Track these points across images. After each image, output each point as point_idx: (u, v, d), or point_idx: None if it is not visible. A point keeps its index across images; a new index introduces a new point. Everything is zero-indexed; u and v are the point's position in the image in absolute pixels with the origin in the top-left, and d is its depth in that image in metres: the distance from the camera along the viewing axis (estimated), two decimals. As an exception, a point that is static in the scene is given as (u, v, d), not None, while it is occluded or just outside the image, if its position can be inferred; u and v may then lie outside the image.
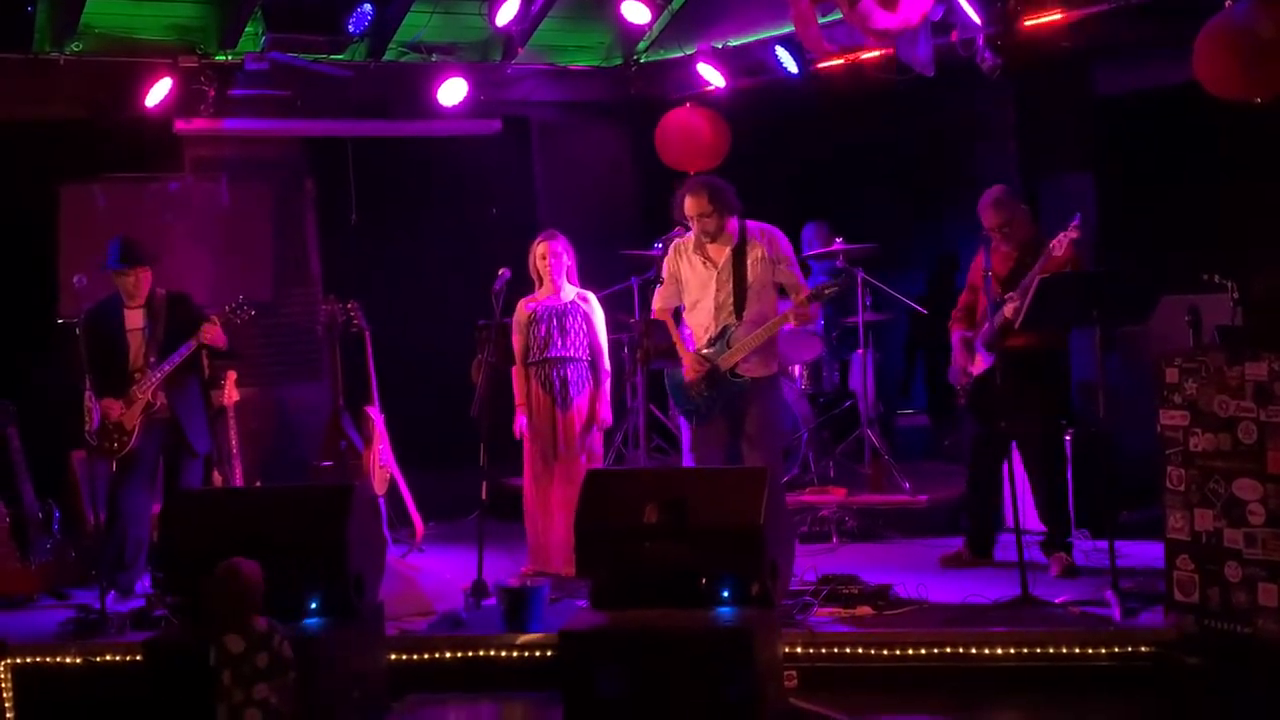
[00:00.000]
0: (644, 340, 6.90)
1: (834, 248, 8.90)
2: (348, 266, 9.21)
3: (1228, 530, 5.65)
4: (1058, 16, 7.65)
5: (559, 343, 7.33)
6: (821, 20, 7.67)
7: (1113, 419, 6.49)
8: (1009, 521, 7.19)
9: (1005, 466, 6.98)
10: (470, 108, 9.21)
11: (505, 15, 8.72)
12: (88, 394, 7.28)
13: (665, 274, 7.16)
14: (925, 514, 8.15)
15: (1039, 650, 5.85)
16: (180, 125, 8.75)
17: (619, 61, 9.87)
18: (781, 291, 7.13)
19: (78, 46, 8.40)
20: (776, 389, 7.25)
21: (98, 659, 6.34)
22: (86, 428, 7.26)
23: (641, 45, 9.75)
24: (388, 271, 9.14)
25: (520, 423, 7.40)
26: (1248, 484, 5.59)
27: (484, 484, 7.08)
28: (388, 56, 9.10)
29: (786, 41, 8.62)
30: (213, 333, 7.20)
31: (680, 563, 5.56)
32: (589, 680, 5.30)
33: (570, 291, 7.43)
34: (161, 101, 8.51)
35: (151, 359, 7.18)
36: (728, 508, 5.59)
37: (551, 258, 7.38)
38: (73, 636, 6.58)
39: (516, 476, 7.63)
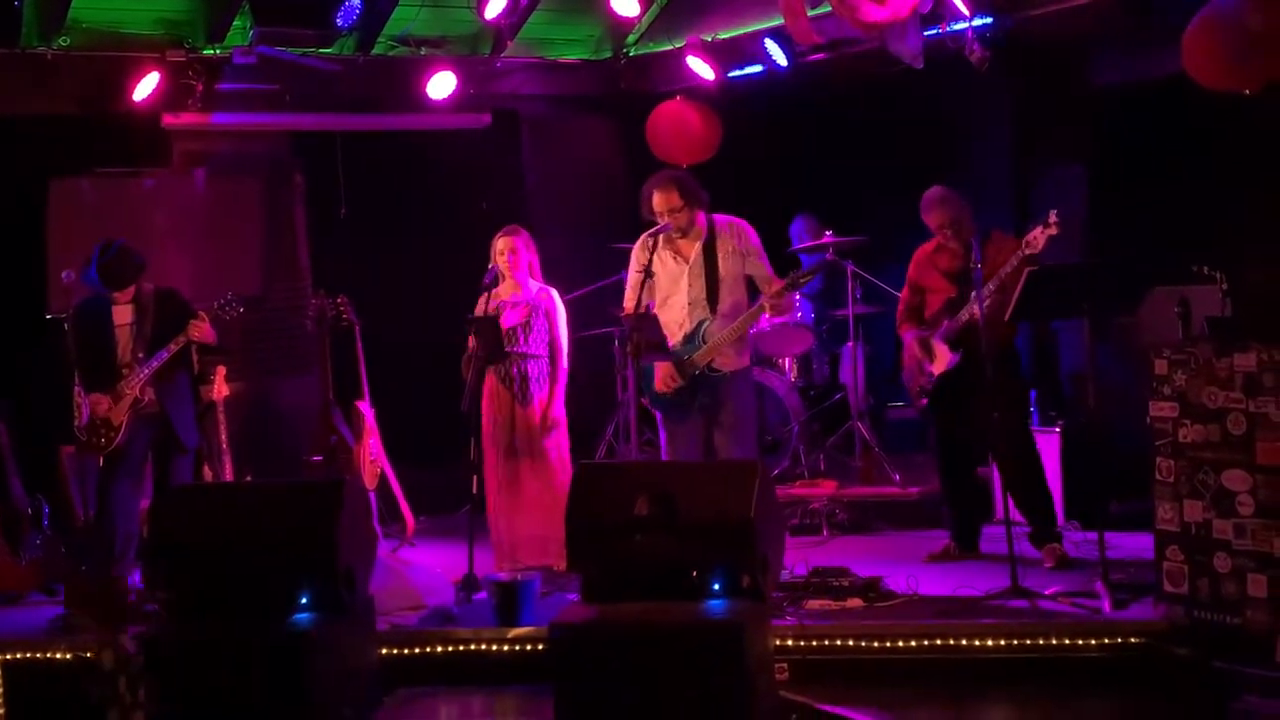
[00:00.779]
0: (634, 334, 6.87)
1: (824, 240, 8.90)
2: (337, 261, 9.19)
3: (1217, 521, 5.66)
4: (1048, 9, 7.66)
5: (521, 339, 7.28)
6: (811, 13, 7.68)
7: (1103, 410, 6.50)
8: (998, 513, 7.20)
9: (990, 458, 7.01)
10: (459, 101, 9.19)
11: (494, 8, 8.70)
12: (77, 389, 7.27)
13: (644, 269, 7.04)
14: (916, 506, 8.17)
15: (1029, 642, 5.86)
16: (168, 119, 8.73)
17: (608, 55, 9.85)
18: (751, 284, 7.10)
19: (65, 41, 8.37)
20: (751, 380, 7.26)
21: (88, 655, 6.32)
22: (76, 423, 7.24)
23: (631, 38, 9.73)
24: (377, 265, 9.11)
25: (484, 416, 7.27)
26: (1237, 475, 5.60)
27: (474, 478, 7.08)
28: (376, 50, 9.08)
29: (776, 34, 8.62)
30: (201, 329, 7.18)
31: (671, 556, 5.56)
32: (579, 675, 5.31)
33: (532, 287, 7.38)
34: (149, 96, 8.49)
35: (140, 354, 7.16)
36: (718, 501, 5.59)
37: (510, 254, 7.29)
38: (62, 632, 6.57)
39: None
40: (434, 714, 5.85)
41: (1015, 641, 5.86)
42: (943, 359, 6.97)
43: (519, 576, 6.55)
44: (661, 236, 7.04)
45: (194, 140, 9.10)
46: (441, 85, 9.05)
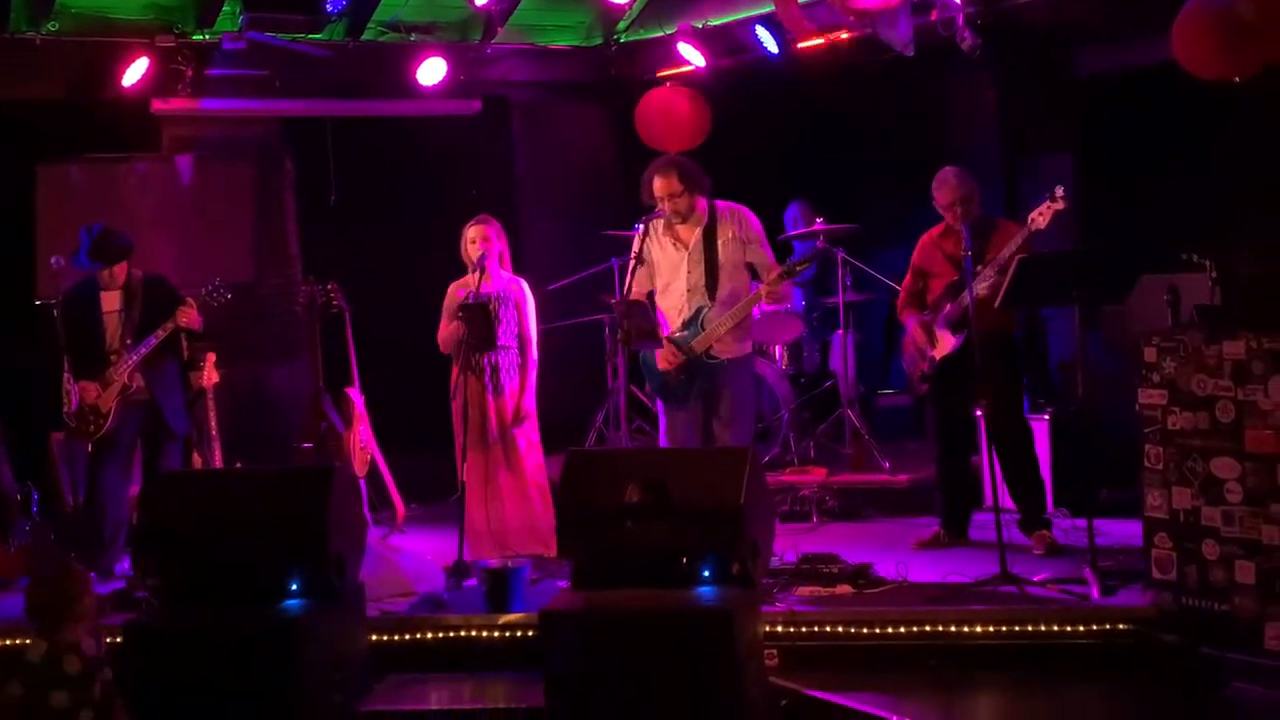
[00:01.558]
0: (624, 322, 6.86)
1: (815, 228, 8.91)
2: (327, 247, 9.17)
3: (1205, 508, 5.68)
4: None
5: (495, 330, 7.23)
6: (802, 0, 7.67)
7: (1092, 398, 6.52)
8: (987, 501, 7.22)
9: (983, 445, 7.01)
10: (449, 87, 9.17)
11: (485, -6, 8.69)
12: (66, 376, 7.25)
13: (636, 256, 7.05)
14: (905, 493, 8.18)
15: (1018, 628, 5.87)
16: (158, 105, 8.71)
17: (599, 41, 9.83)
18: (752, 271, 7.10)
19: (54, 26, 8.34)
20: (750, 368, 7.24)
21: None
22: (65, 409, 7.22)
23: (621, 25, 9.71)
24: (367, 252, 9.10)
25: (455, 409, 7.20)
26: (1225, 463, 5.62)
27: (461, 465, 7.07)
28: (366, 36, 9.05)
29: (767, 21, 8.61)
30: (189, 315, 7.17)
31: (661, 543, 5.57)
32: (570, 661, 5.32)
33: (502, 277, 7.33)
34: (139, 81, 8.46)
35: (128, 341, 7.15)
36: (709, 488, 5.59)
37: (482, 242, 7.22)
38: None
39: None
40: (424, 700, 5.84)
41: (1004, 628, 5.88)
42: (945, 344, 6.96)
43: (509, 563, 6.55)
44: (661, 222, 7.03)
45: (183, 126, 9.07)
46: (431, 71, 9.03)
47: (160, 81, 8.54)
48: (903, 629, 5.95)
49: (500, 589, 6.35)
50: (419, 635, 6.26)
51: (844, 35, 8.49)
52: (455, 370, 7.21)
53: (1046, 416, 7.73)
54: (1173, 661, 5.67)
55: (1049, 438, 7.67)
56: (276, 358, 9.29)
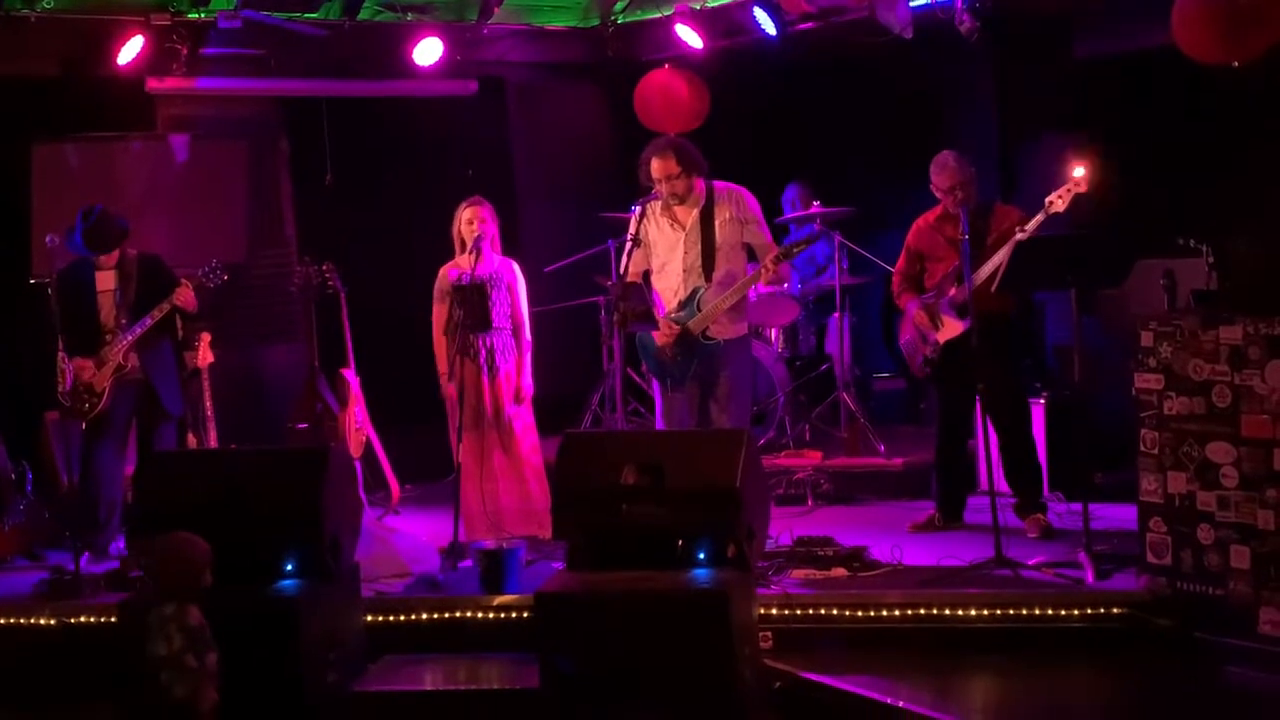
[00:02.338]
0: (620, 303, 6.85)
1: (811, 210, 8.89)
2: (323, 227, 9.15)
3: (1201, 493, 5.69)
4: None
5: (490, 312, 7.21)
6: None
7: (1088, 382, 6.51)
8: (982, 484, 7.23)
9: (979, 429, 7.00)
10: (446, 68, 9.14)
11: (482, -27, 8.66)
12: (61, 354, 7.23)
13: (633, 238, 7.03)
14: (900, 477, 8.18)
15: (1013, 612, 5.88)
16: (153, 84, 8.67)
17: (596, 22, 9.80)
18: (750, 252, 7.08)
19: (49, 4, 8.29)
20: (747, 350, 7.24)
21: (72, 620, 6.33)
22: (59, 388, 7.20)
23: (619, 6, 9.68)
24: (363, 232, 9.08)
25: (451, 391, 7.18)
26: (1221, 447, 5.62)
27: (460, 446, 7.06)
28: (362, 15, 9.01)
29: (765, 3, 8.57)
30: (185, 296, 7.16)
31: (656, 525, 5.57)
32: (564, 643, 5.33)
33: (494, 260, 7.29)
34: (134, 60, 8.42)
35: (123, 320, 7.13)
36: (704, 470, 5.59)
37: (479, 223, 7.19)
38: (47, 598, 6.57)
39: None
40: (419, 681, 5.85)
41: (999, 611, 5.89)
42: (951, 327, 6.94)
43: (504, 545, 6.55)
44: (659, 204, 7.02)
45: (178, 105, 9.04)
46: (428, 51, 9.00)
47: (155, 60, 8.50)
48: (898, 612, 5.95)
49: (495, 570, 6.35)
50: (414, 616, 6.26)
51: (842, 18, 8.45)
52: (449, 352, 7.19)
53: (1042, 400, 7.73)
54: (1167, 645, 5.69)
55: (1045, 422, 7.67)
56: (272, 338, 9.28)
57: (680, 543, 5.54)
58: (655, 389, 7.32)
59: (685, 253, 6.99)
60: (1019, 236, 6.56)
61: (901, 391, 9.67)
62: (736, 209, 6.99)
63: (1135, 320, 5.96)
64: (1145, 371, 5.86)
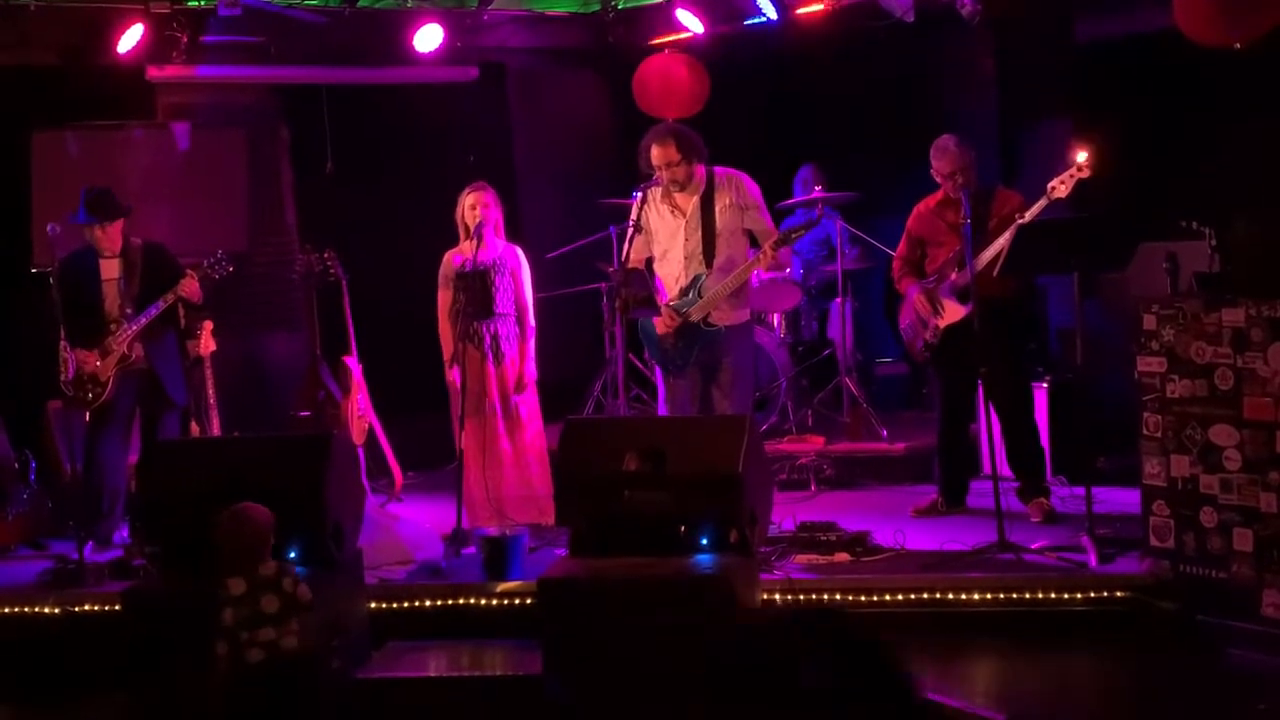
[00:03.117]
0: (622, 289, 6.85)
1: (813, 195, 8.88)
2: (324, 215, 9.14)
3: (1204, 476, 5.69)
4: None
5: (493, 298, 7.21)
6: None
7: (1090, 366, 6.51)
8: (985, 469, 7.22)
9: (981, 414, 7.00)
10: (446, 54, 9.11)
11: (481, -40, 8.63)
12: (63, 344, 7.23)
13: (634, 224, 7.01)
14: (902, 462, 8.19)
15: (1016, 596, 5.89)
16: (153, 72, 8.66)
17: (596, 8, 9.76)
18: (751, 238, 7.07)
19: (49, -9, 8.29)
20: (749, 336, 7.23)
21: (76, 609, 6.34)
22: (62, 378, 7.20)
23: (619, -9, 9.66)
24: (364, 220, 9.06)
25: (453, 377, 7.19)
26: (1224, 430, 5.62)
27: (462, 433, 7.06)
28: (362, 2, 8.97)
29: (765, -13, 8.56)
30: (190, 287, 7.15)
31: (659, 511, 5.57)
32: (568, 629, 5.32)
33: (498, 246, 7.30)
34: (134, 48, 8.40)
35: (128, 310, 7.13)
36: (707, 455, 5.60)
37: (482, 209, 7.17)
38: (51, 587, 6.58)
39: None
40: (422, 667, 5.85)
41: (1002, 595, 5.90)
42: (953, 312, 6.93)
43: (507, 531, 6.56)
44: (659, 190, 7.00)
45: (178, 93, 9.03)
46: (428, 38, 8.98)
47: (155, 48, 8.47)
48: (900, 597, 5.97)
49: (498, 557, 6.36)
50: (417, 603, 6.27)
51: (843, 1, 8.43)
52: (452, 339, 7.19)
53: (1045, 384, 7.73)
54: (1170, 629, 5.70)
55: (1047, 406, 7.67)
56: (274, 326, 9.27)
57: (683, 529, 5.54)
58: (658, 375, 7.32)
59: (686, 240, 6.98)
60: (1020, 222, 6.54)
61: (904, 376, 9.66)
62: (737, 195, 6.98)
63: (1137, 303, 5.95)
64: (1148, 355, 5.86)
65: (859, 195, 8.88)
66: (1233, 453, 5.60)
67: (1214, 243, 6.05)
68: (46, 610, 6.36)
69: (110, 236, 7.16)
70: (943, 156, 6.90)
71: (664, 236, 7.06)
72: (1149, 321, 5.86)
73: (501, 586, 6.26)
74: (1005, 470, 6.93)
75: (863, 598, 5.99)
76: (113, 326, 7.12)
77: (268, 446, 6.14)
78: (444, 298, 7.27)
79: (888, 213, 8.43)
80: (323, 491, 5.67)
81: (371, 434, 7.94)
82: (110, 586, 6.41)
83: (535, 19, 9.75)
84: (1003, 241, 6.59)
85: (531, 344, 7.29)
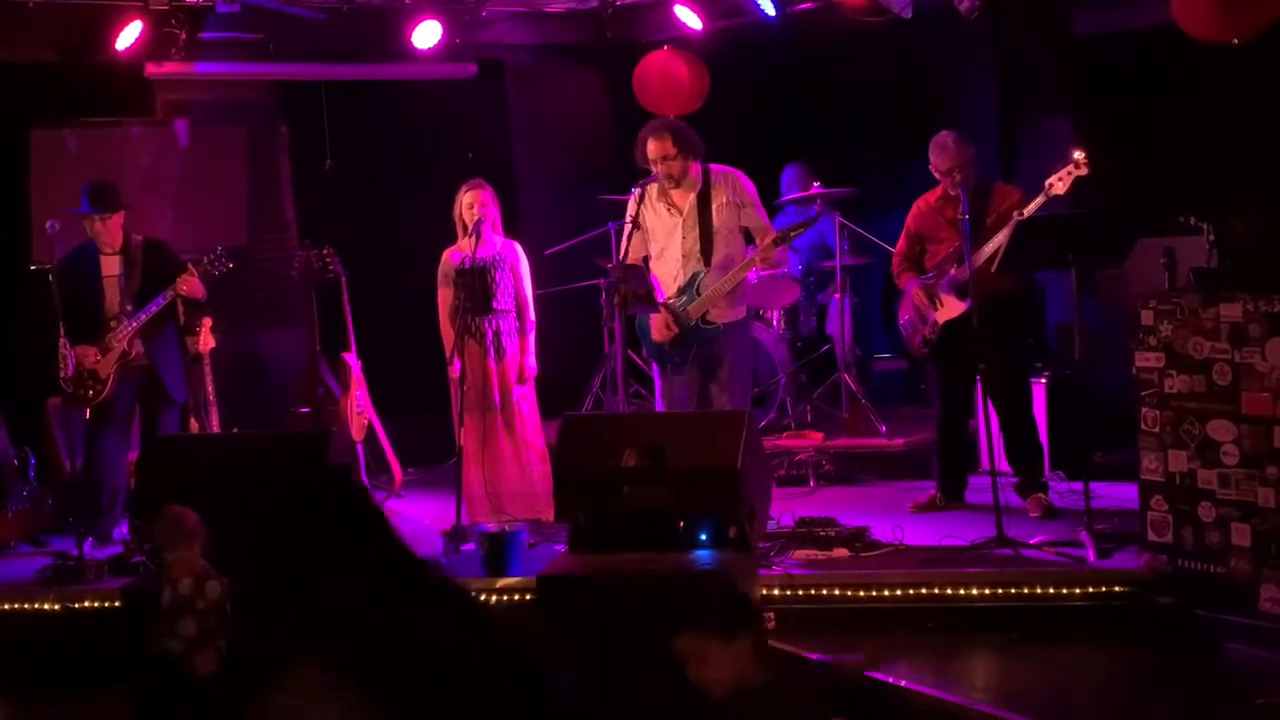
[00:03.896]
0: (621, 286, 6.85)
1: (811, 191, 8.88)
2: (323, 211, 9.13)
3: (1202, 471, 5.69)
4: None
5: (492, 295, 7.21)
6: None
7: (1088, 361, 6.51)
8: (983, 464, 7.23)
9: (979, 409, 7.00)
10: (445, 51, 9.11)
11: (480, -44, 8.63)
12: (62, 341, 7.24)
13: (632, 220, 7.01)
14: (901, 457, 8.19)
15: (1014, 591, 5.90)
16: (151, 69, 8.65)
17: (595, 4, 9.77)
18: (748, 235, 7.07)
19: (47, -12, 8.28)
20: (747, 332, 7.24)
21: (76, 605, 6.34)
22: (61, 375, 7.21)
23: (618, -13, 9.65)
24: (363, 216, 9.07)
25: (455, 369, 7.16)
26: (1222, 425, 5.63)
27: (461, 429, 7.07)
28: (361, -2, 9.00)
29: (764, -17, 8.55)
30: (191, 284, 7.14)
31: (658, 506, 5.58)
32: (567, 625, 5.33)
33: (496, 242, 7.30)
34: (132, 44, 8.40)
35: (128, 307, 7.13)
36: (705, 451, 5.61)
37: (480, 206, 7.18)
38: (50, 583, 6.58)
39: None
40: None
41: (1000, 590, 5.91)
42: (951, 308, 6.93)
43: (506, 527, 6.56)
44: (655, 188, 7.00)
45: (177, 90, 9.03)
46: (427, 34, 8.97)
47: (154, 45, 8.46)
48: (899, 592, 5.97)
49: (498, 553, 6.36)
50: (417, 599, 6.26)
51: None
52: (451, 335, 7.20)
53: (1043, 380, 7.74)
54: (1168, 623, 5.70)
55: (1045, 401, 7.67)
56: (273, 323, 9.27)
57: (682, 524, 5.55)
58: (655, 371, 7.32)
59: (683, 238, 6.99)
60: (1018, 218, 6.55)
61: (902, 372, 9.66)
62: (733, 192, 6.98)
63: (1136, 299, 5.96)
64: (1146, 350, 5.86)
65: (857, 190, 8.88)
66: (1230, 448, 5.60)
67: (1212, 238, 6.06)
68: (46, 607, 6.36)
69: (110, 230, 7.15)
70: (942, 153, 6.90)
71: (661, 235, 7.06)
72: (1147, 317, 5.86)
73: (501, 582, 6.26)
74: (1004, 465, 6.93)
75: (861, 593, 5.99)
76: (113, 323, 7.13)
77: (267, 443, 6.16)
78: (444, 296, 7.28)
79: (887, 209, 8.44)
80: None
81: (371, 430, 7.95)
82: (110, 583, 6.42)
83: (534, 15, 9.75)
84: (1001, 237, 6.59)
85: (532, 338, 7.30)
